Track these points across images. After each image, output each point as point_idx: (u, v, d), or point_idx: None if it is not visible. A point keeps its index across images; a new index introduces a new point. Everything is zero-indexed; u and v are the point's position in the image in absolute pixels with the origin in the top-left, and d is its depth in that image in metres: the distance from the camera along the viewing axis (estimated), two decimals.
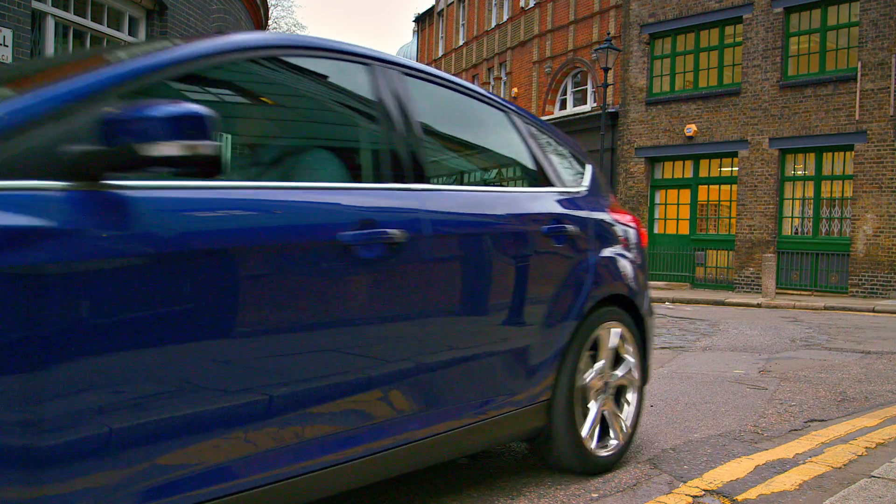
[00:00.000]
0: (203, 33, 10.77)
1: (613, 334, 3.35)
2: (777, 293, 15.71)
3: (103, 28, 9.74)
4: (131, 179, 1.77)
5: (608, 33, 20.22)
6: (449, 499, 2.93)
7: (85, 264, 1.62)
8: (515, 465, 3.47)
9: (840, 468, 3.48)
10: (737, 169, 17.92)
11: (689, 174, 19.19)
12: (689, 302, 15.53)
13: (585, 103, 22.14)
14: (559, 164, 3.44)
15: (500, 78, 26.33)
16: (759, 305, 14.60)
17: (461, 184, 3.12)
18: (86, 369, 1.62)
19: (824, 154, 16.68)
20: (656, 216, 19.82)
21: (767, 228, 17.24)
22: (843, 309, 13.70)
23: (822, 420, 4.55)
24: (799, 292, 16.35)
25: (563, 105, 23.10)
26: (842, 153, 16.41)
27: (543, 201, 3.17)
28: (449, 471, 3.29)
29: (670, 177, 19.61)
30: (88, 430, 1.62)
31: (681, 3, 18.93)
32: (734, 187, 18.10)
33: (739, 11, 17.75)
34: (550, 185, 3.29)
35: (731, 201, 18.34)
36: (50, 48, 8.88)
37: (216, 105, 2.07)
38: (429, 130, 2.75)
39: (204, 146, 1.69)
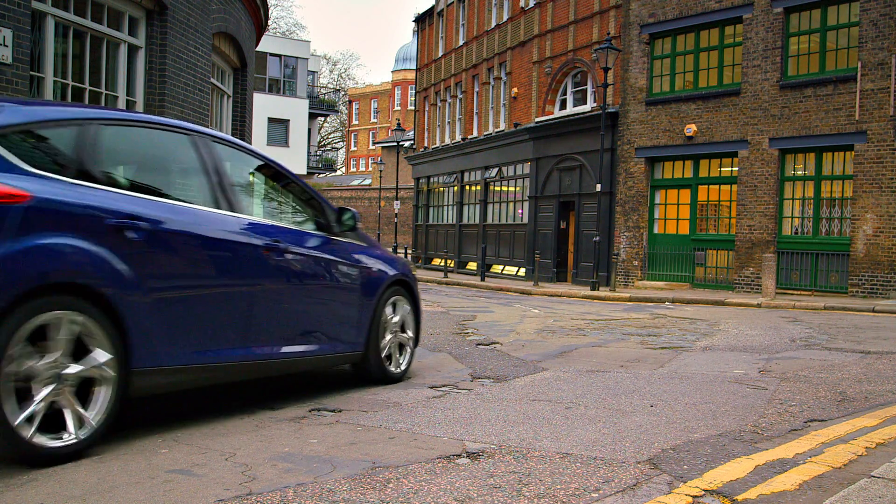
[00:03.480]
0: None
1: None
2: (777, 293, 15.71)
3: (103, 28, 9.73)
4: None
5: (608, 33, 20.21)
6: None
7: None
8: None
9: (840, 468, 3.48)
10: (737, 169, 17.92)
11: (689, 174, 19.19)
12: (689, 302, 15.53)
13: (585, 103, 22.12)
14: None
15: (500, 78, 26.31)
16: (759, 305, 14.59)
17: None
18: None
19: (824, 154, 16.68)
20: (656, 216, 19.81)
21: (767, 228, 17.24)
22: (843, 309, 13.70)
23: (822, 420, 4.55)
24: (799, 292, 16.34)
25: (563, 105, 23.09)
26: (842, 153, 16.40)
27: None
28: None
29: (670, 177, 19.61)
30: None
31: (681, 3, 18.92)
32: (734, 187, 18.10)
33: (739, 11, 17.75)
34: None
35: (731, 201, 18.33)
36: (50, 48, 8.88)
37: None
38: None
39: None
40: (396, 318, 5.64)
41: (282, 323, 4.58)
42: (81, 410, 3.41)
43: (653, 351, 7.77)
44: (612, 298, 16.50)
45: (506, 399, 5.03)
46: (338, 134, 74.19)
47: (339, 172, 71.00)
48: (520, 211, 25.07)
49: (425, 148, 32.45)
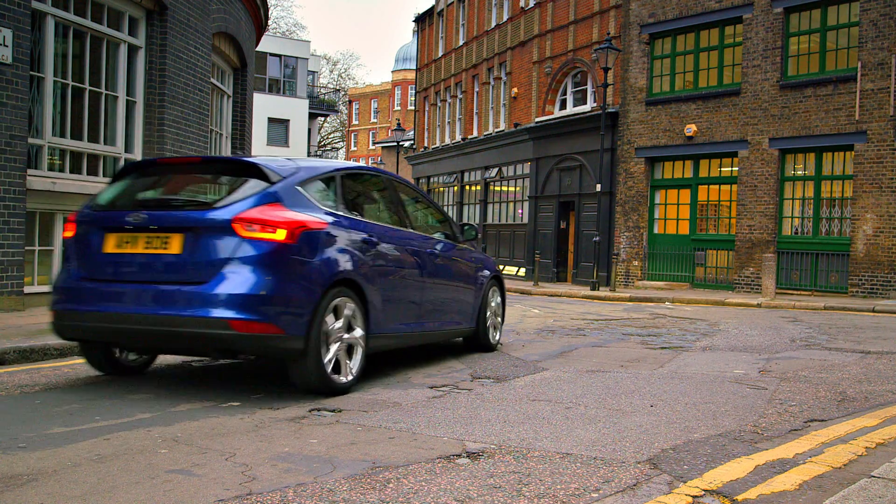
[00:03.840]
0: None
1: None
2: (777, 293, 15.71)
3: (103, 28, 9.73)
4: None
5: (608, 33, 20.21)
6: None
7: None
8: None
9: (840, 468, 3.48)
10: (737, 169, 17.93)
11: (689, 174, 19.19)
12: (689, 302, 15.53)
13: (585, 103, 22.12)
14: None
15: (500, 78, 26.31)
16: (759, 305, 14.60)
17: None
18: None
19: (824, 154, 16.69)
20: (656, 216, 19.82)
21: (767, 228, 17.24)
22: (843, 309, 13.70)
23: (822, 420, 4.55)
24: (799, 292, 16.35)
25: (563, 105, 23.09)
26: (842, 153, 16.41)
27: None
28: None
29: (670, 177, 19.62)
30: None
31: (681, 3, 18.93)
32: (734, 187, 18.10)
33: (739, 11, 17.76)
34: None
35: (731, 201, 18.34)
36: (50, 48, 8.88)
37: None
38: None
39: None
40: (493, 305, 7.53)
41: (436, 305, 6.42)
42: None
43: (653, 351, 7.78)
44: (612, 298, 16.51)
45: (506, 399, 5.03)
46: (338, 134, 74.19)
47: None
48: (520, 211, 25.07)
49: (425, 148, 32.45)
